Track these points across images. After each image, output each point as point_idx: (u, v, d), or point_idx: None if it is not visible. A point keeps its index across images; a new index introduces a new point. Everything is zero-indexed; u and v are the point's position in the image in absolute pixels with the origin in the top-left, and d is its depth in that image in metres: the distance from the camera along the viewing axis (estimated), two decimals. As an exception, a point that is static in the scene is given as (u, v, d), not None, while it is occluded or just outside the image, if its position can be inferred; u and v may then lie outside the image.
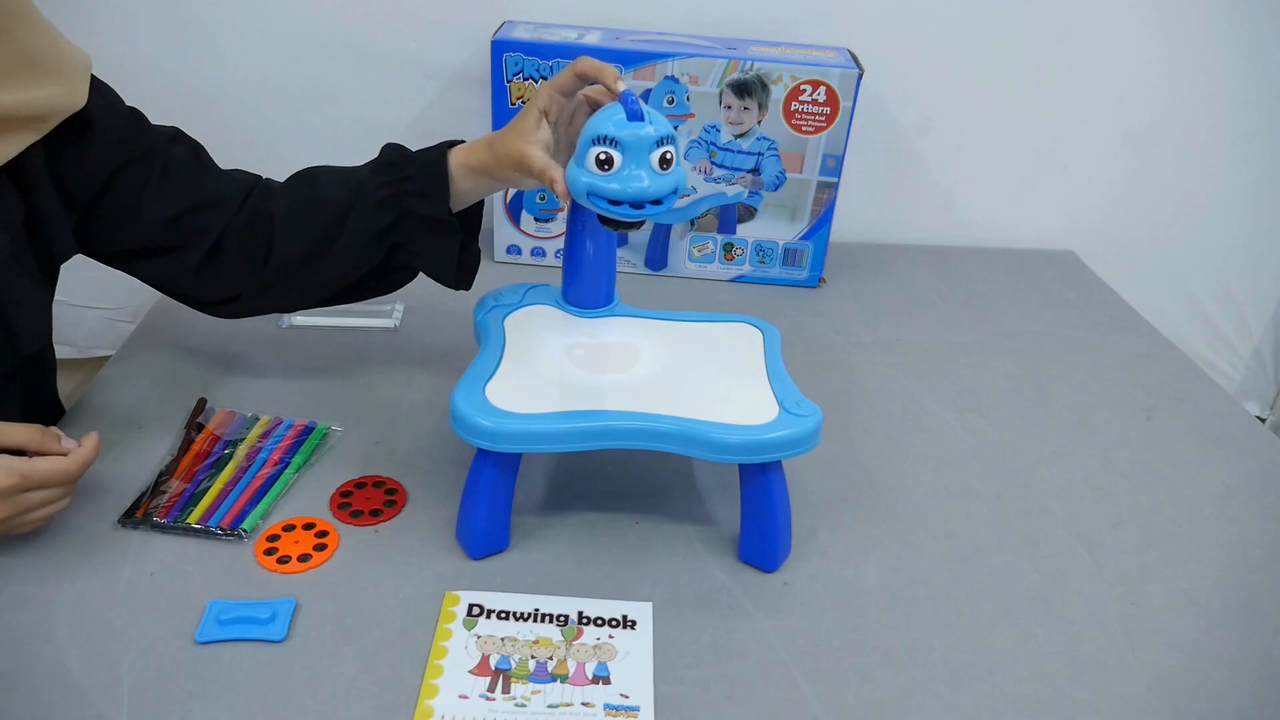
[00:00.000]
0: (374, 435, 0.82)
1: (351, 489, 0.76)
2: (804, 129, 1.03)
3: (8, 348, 0.69)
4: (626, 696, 0.60)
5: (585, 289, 0.77)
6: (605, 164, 0.64)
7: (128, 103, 0.75)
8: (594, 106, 0.71)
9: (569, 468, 0.79)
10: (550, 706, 0.59)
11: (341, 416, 0.83)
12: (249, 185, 0.78)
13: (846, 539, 0.74)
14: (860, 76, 1.00)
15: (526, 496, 0.75)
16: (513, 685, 0.60)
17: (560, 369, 0.70)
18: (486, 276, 1.11)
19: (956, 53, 1.16)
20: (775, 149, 1.05)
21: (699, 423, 0.64)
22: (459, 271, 0.79)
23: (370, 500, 0.74)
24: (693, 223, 1.11)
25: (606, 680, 0.61)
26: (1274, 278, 1.35)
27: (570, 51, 0.99)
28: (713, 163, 1.06)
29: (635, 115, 0.64)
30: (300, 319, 0.98)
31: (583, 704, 0.59)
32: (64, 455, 0.66)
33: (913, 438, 0.87)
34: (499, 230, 1.12)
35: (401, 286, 0.82)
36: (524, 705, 0.59)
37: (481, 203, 0.80)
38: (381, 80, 1.14)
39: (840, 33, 1.10)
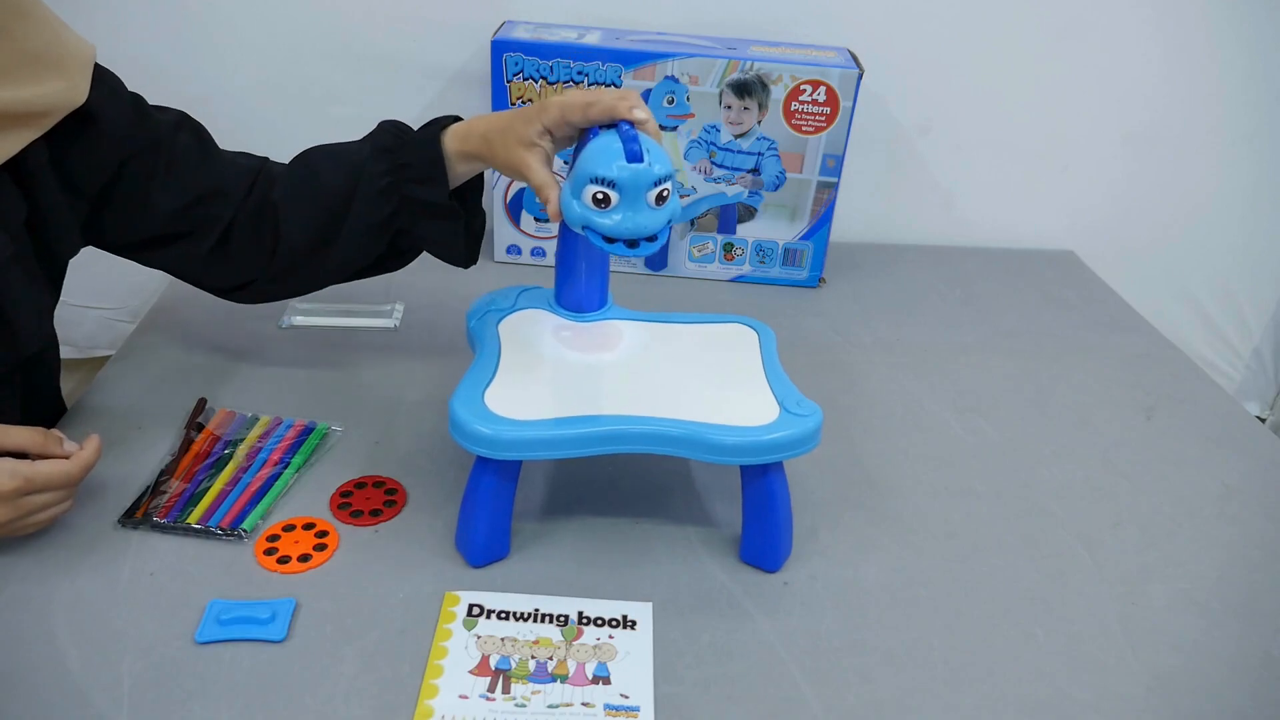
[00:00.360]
0: (374, 435, 0.82)
1: (351, 489, 0.76)
2: (804, 129, 1.03)
3: (8, 348, 0.68)
4: (626, 696, 0.60)
5: (579, 292, 0.76)
6: (602, 202, 0.63)
7: None
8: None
9: (568, 470, 0.79)
10: (550, 706, 0.59)
11: (341, 416, 0.83)
12: (254, 171, 0.78)
13: (846, 539, 0.74)
14: (860, 76, 1.00)
15: (525, 500, 0.75)
16: (513, 685, 0.60)
17: (559, 374, 0.70)
18: (487, 276, 1.11)
19: (956, 53, 1.16)
20: (775, 149, 1.05)
21: (700, 425, 0.64)
22: (466, 250, 0.80)
23: (370, 500, 0.74)
24: (693, 223, 1.11)
25: (606, 680, 0.61)
26: (1274, 278, 1.35)
27: (570, 52, 0.99)
28: (713, 163, 1.06)
29: (635, 157, 0.62)
30: (300, 319, 0.98)
31: (583, 704, 0.59)
32: (66, 458, 0.66)
33: (913, 438, 0.87)
34: (499, 230, 1.12)
35: (410, 262, 0.83)
36: (524, 705, 0.59)
37: (482, 175, 0.79)
38: (381, 80, 1.14)
39: (840, 33, 1.10)
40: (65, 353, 1.11)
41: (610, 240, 0.64)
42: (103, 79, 0.71)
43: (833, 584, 0.70)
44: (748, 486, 0.68)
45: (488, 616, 0.65)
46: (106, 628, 0.62)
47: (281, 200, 0.76)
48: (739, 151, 1.05)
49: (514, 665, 0.61)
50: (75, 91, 0.67)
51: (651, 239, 0.64)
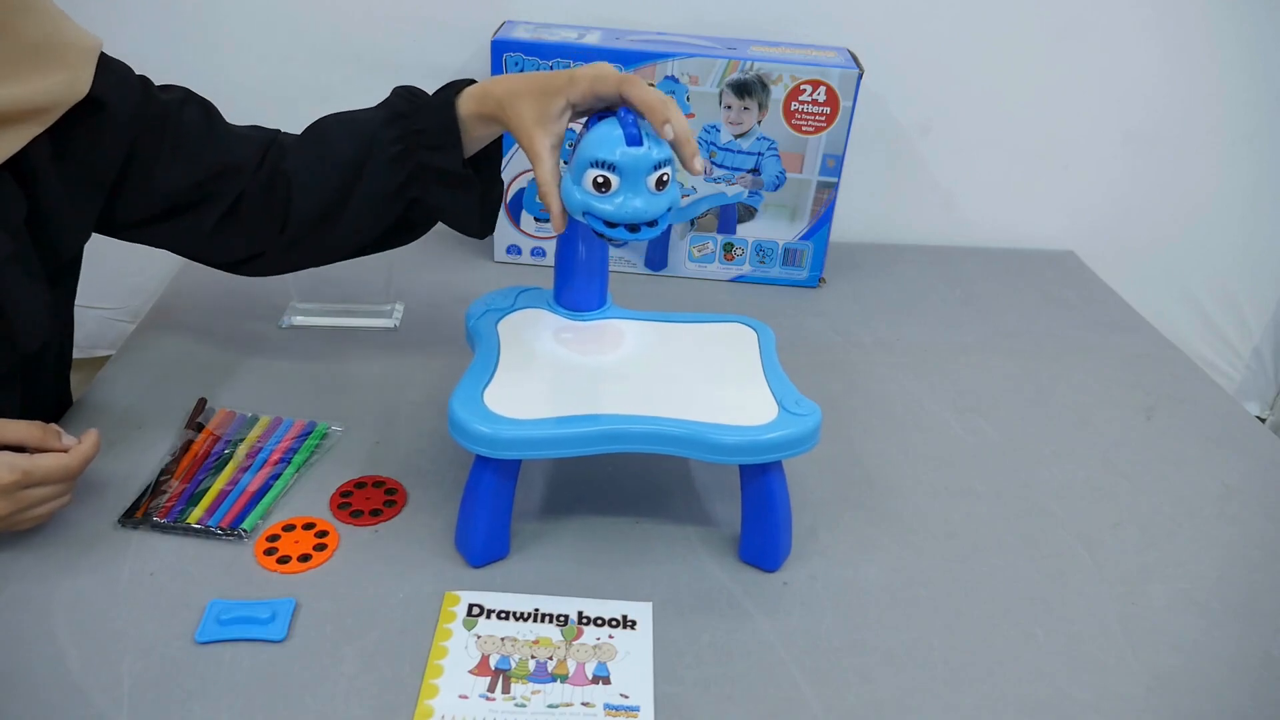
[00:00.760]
0: (374, 435, 0.82)
1: (351, 489, 0.76)
2: (804, 129, 1.03)
3: (7, 346, 0.68)
4: (626, 696, 0.60)
5: (578, 292, 0.76)
6: (602, 186, 0.64)
7: None
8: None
9: (567, 470, 0.79)
10: (550, 706, 0.59)
11: (341, 416, 0.83)
12: (265, 144, 0.77)
13: (846, 539, 0.74)
14: (860, 76, 1.00)
15: (525, 500, 0.75)
16: (513, 685, 0.60)
17: (558, 374, 0.70)
18: (486, 276, 1.12)
19: (956, 53, 1.16)
20: (775, 149, 1.05)
21: (700, 424, 0.64)
22: (481, 220, 0.78)
23: (370, 500, 0.74)
24: (693, 223, 1.11)
25: (606, 680, 0.61)
26: (1274, 278, 1.35)
27: (570, 52, 0.99)
28: (713, 163, 1.06)
29: (634, 140, 0.63)
30: (300, 319, 0.98)
31: (583, 704, 0.59)
32: (65, 451, 0.66)
33: (913, 438, 0.87)
34: (499, 230, 1.12)
35: (425, 233, 0.81)
36: (524, 705, 0.59)
37: (500, 141, 0.77)
38: (381, 80, 1.12)
39: (840, 33, 1.10)
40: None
41: (611, 225, 0.64)
42: (110, 68, 0.71)
43: (833, 584, 0.70)
44: (747, 486, 0.68)
45: (488, 616, 0.65)
46: (106, 628, 0.62)
47: (293, 170, 0.75)
48: (739, 151, 1.05)
49: (514, 665, 0.61)
50: (78, 84, 0.66)
51: (652, 224, 0.65)
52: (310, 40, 1.11)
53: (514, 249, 1.14)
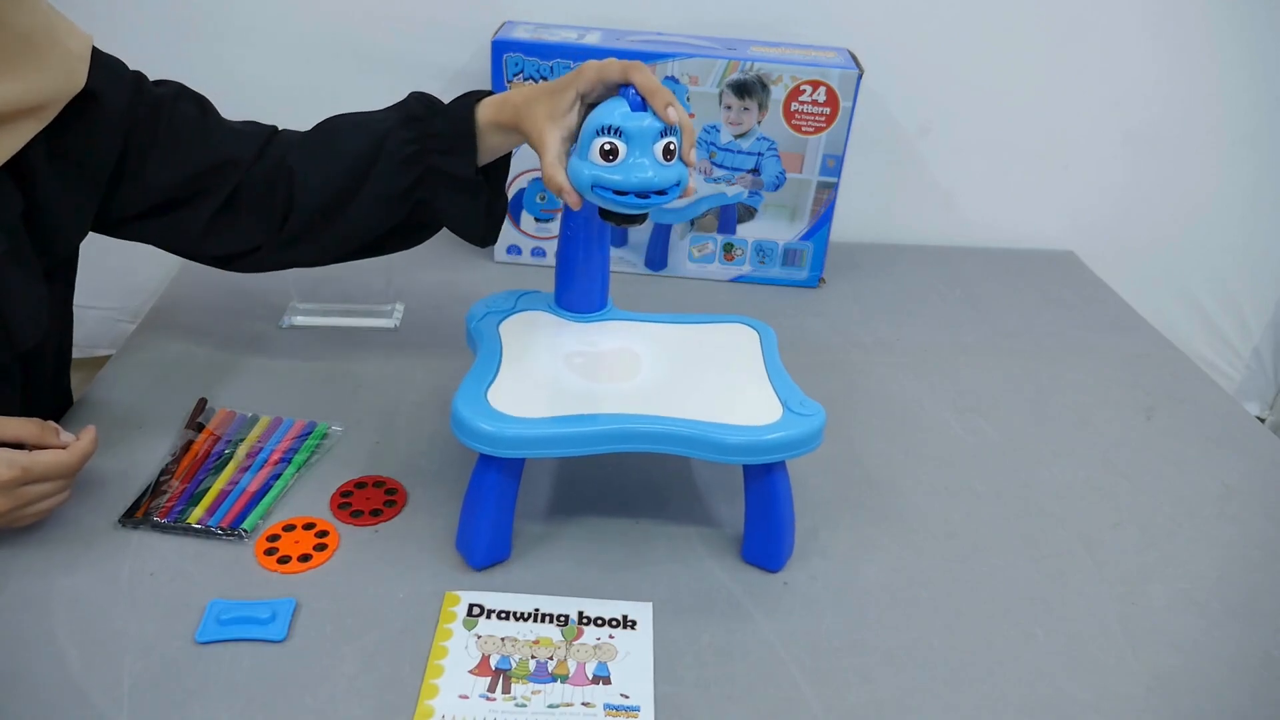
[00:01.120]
0: (374, 435, 0.82)
1: (351, 489, 0.76)
2: (804, 129, 1.03)
3: (3, 343, 0.68)
4: (626, 696, 0.60)
5: (579, 294, 0.76)
6: (610, 155, 0.64)
7: None
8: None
9: (566, 471, 0.79)
10: (550, 706, 0.59)
11: (341, 416, 0.83)
12: (264, 138, 0.77)
13: (846, 539, 0.74)
14: (860, 76, 1.00)
15: (525, 501, 0.75)
16: (513, 685, 0.60)
17: (560, 374, 0.70)
18: (487, 276, 1.12)
19: (956, 53, 1.16)
20: (775, 149, 1.05)
21: (704, 424, 0.64)
22: (485, 229, 0.78)
23: (370, 500, 0.74)
24: (693, 223, 1.11)
25: (606, 680, 0.61)
26: (1274, 278, 1.35)
27: (570, 52, 0.99)
28: (713, 163, 1.06)
29: (639, 106, 0.64)
30: (300, 319, 0.98)
31: (583, 704, 0.59)
32: (63, 448, 0.66)
33: (913, 438, 0.87)
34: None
35: (428, 239, 0.81)
36: (524, 705, 0.59)
37: (509, 155, 0.79)
38: (381, 80, 1.13)
39: (840, 33, 1.10)
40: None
41: (621, 194, 0.64)
42: (103, 63, 0.70)
43: (833, 584, 0.70)
44: (751, 486, 0.68)
45: (488, 616, 0.65)
46: (106, 627, 0.62)
47: (298, 164, 0.75)
48: (739, 152, 1.05)
49: (514, 665, 0.61)
50: (74, 77, 0.66)
51: (662, 193, 0.65)
52: (311, 40, 1.11)
53: (514, 249, 1.14)
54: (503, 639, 0.63)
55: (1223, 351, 1.39)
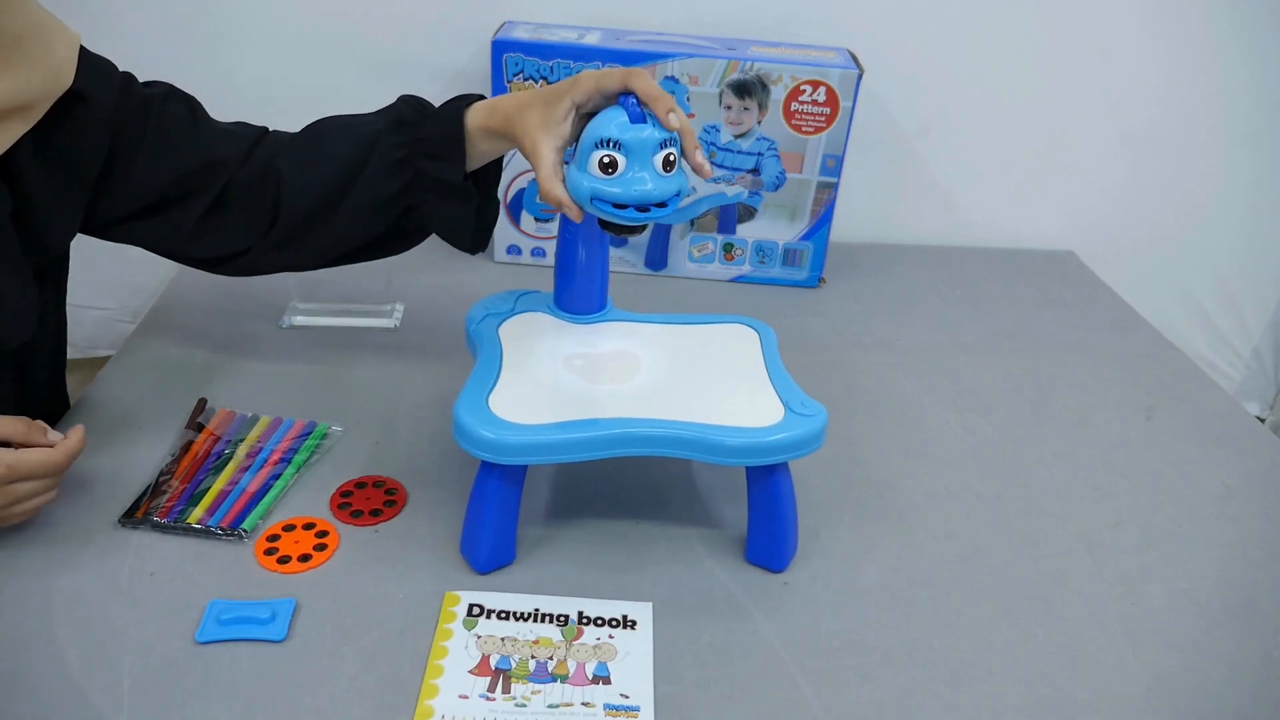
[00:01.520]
0: (374, 435, 0.82)
1: (351, 489, 0.76)
2: (804, 129, 1.03)
3: None
4: (626, 696, 0.60)
5: (578, 295, 0.76)
6: (609, 167, 0.63)
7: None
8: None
9: (567, 473, 0.79)
10: (550, 706, 0.59)
11: (341, 416, 0.83)
12: (253, 139, 0.76)
13: (847, 539, 0.74)
14: (860, 76, 1.00)
15: (526, 503, 0.75)
16: (513, 685, 0.60)
17: (561, 377, 0.70)
18: (487, 276, 1.12)
19: (956, 53, 1.16)
20: (775, 149, 1.05)
21: (707, 427, 0.64)
22: (474, 235, 0.78)
23: (370, 500, 0.74)
24: (693, 223, 1.11)
25: (606, 680, 0.61)
26: (1274, 278, 1.35)
27: (570, 52, 0.99)
28: (713, 163, 1.06)
29: (638, 118, 0.63)
30: (300, 319, 0.98)
31: (583, 704, 0.59)
32: (51, 446, 0.66)
33: (913, 438, 0.87)
34: (499, 230, 1.12)
35: (417, 245, 0.81)
36: (524, 705, 0.59)
37: (500, 160, 0.78)
38: (381, 80, 1.13)
39: (840, 33, 1.10)
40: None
41: (620, 207, 0.64)
42: (91, 62, 0.70)
43: (833, 584, 0.70)
44: (754, 487, 0.68)
45: (488, 616, 0.65)
46: (106, 628, 0.62)
47: (287, 166, 0.75)
48: (739, 152, 1.05)
49: (514, 665, 0.61)
50: (61, 75, 0.66)
51: (661, 205, 0.64)
52: (310, 40, 1.11)
53: (514, 249, 1.14)
54: (503, 639, 0.63)
55: (1223, 351, 1.39)
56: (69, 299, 0.81)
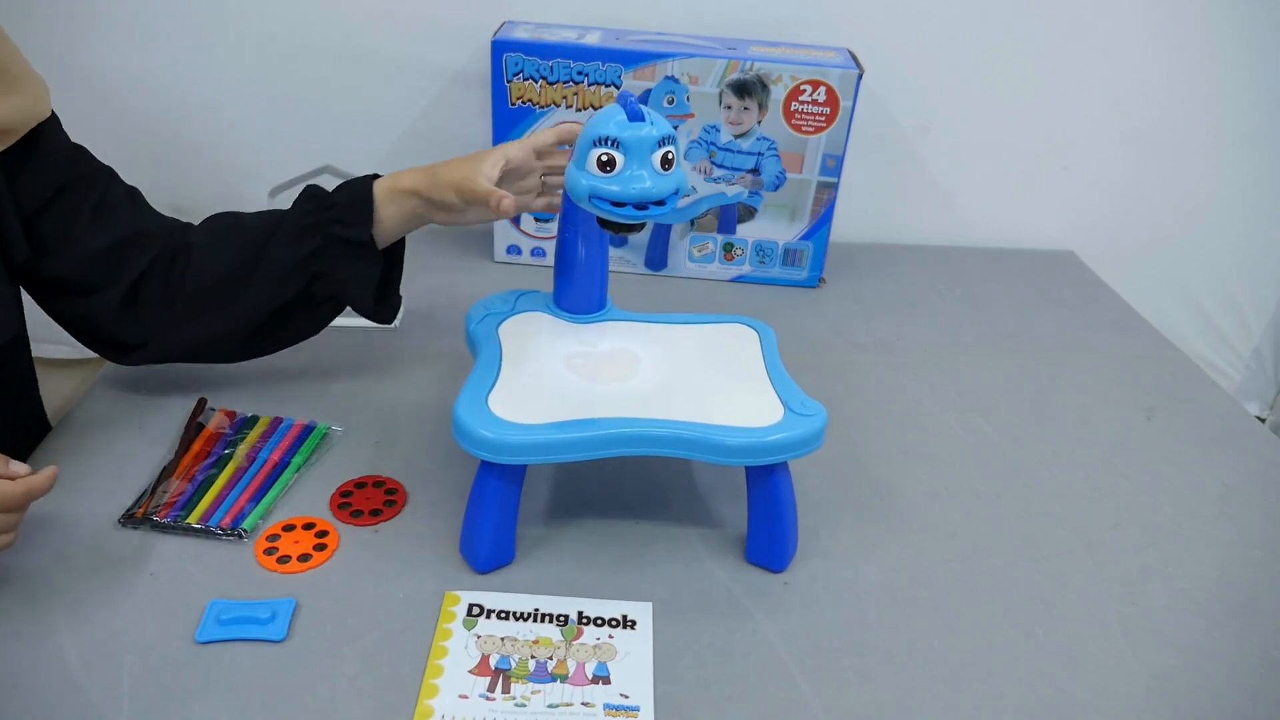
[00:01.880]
0: (374, 435, 0.82)
1: (351, 489, 0.76)
2: (804, 129, 1.03)
3: None
4: (626, 696, 0.60)
5: (578, 294, 0.76)
6: (607, 166, 0.63)
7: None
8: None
9: (567, 472, 0.79)
10: (550, 706, 0.59)
11: (341, 416, 0.84)
12: (178, 227, 0.79)
13: (847, 539, 0.74)
14: (860, 76, 1.00)
15: (526, 503, 0.75)
16: (513, 685, 0.60)
17: (561, 376, 0.70)
18: (487, 276, 1.12)
19: (956, 53, 1.16)
20: (775, 149, 1.05)
21: (706, 426, 0.64)
22: (379, 302, 0.80)
23: (370, 500, 0.74)
24: (693, 223, 1.11)
25: (606, 680, 0.61)
26: (1274, 278, 1.35)
27: (570, 52, 0.99)
28: (713, 163, 1.06)
29: (636, 116, 0.63)
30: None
31: (583, 704, 0.59)
32: (11, 480, 0.62)
33: (913, 438, 0.87)
34: (499, 230, 1.12)
35: (328, 323, 0.82)
36: (524, 705, 0.59)
37: (403, 243, 0.81)
38: (381, 80, 1.14)
39: (840, 33, 1.11)
40: (65, 353, 1.12)
41: (619, 206, 0.64)
42: (54, 111, 0.73)
43: (833, 584, 0.70)
44: (753, 487, 0.68)
45: (488, 616, 0.65)
46: (106, 627, 0.62)
47: (198, 242, 0.77)
48: (739, 151, 1.05)
49: (514, 665, 0.61)
50: (40, 106, 0.69)
51: (660, 203, 0.64)
52: (310, 40, 1.11)
53: (514, 249, 1.14)
54: (502, 639, 0.63)
55: (1223, 351, 1.39)
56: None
